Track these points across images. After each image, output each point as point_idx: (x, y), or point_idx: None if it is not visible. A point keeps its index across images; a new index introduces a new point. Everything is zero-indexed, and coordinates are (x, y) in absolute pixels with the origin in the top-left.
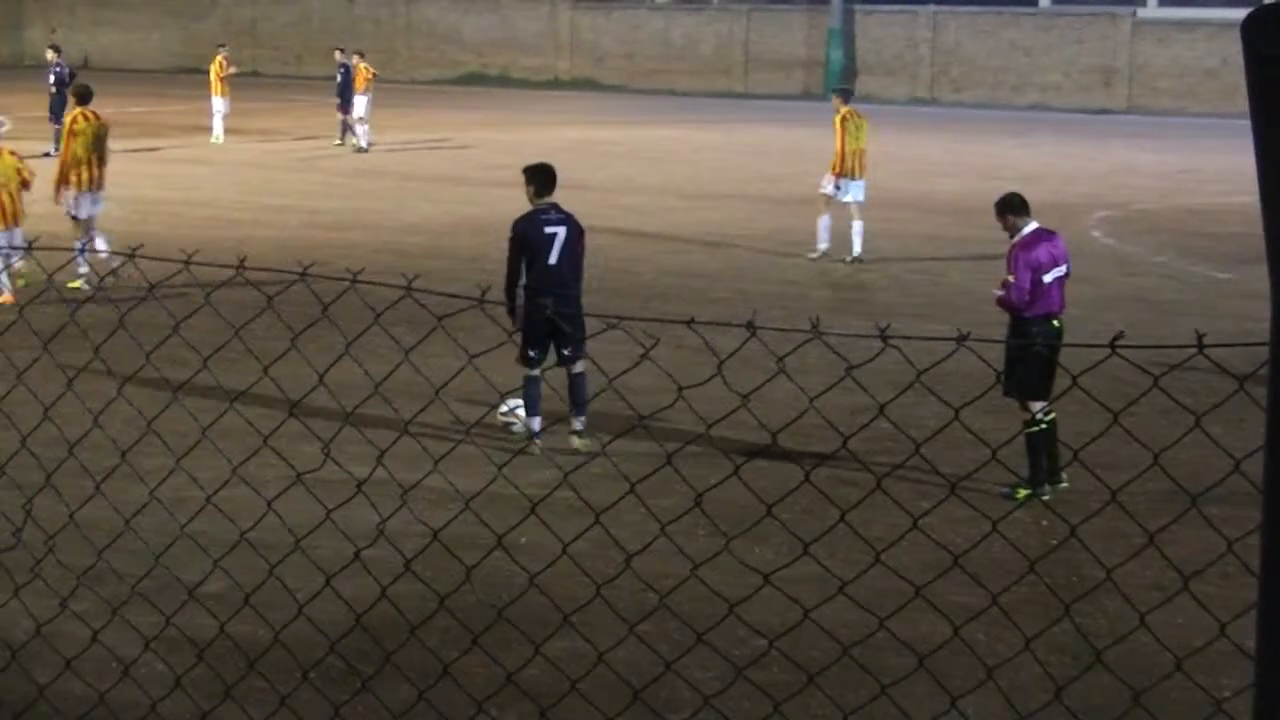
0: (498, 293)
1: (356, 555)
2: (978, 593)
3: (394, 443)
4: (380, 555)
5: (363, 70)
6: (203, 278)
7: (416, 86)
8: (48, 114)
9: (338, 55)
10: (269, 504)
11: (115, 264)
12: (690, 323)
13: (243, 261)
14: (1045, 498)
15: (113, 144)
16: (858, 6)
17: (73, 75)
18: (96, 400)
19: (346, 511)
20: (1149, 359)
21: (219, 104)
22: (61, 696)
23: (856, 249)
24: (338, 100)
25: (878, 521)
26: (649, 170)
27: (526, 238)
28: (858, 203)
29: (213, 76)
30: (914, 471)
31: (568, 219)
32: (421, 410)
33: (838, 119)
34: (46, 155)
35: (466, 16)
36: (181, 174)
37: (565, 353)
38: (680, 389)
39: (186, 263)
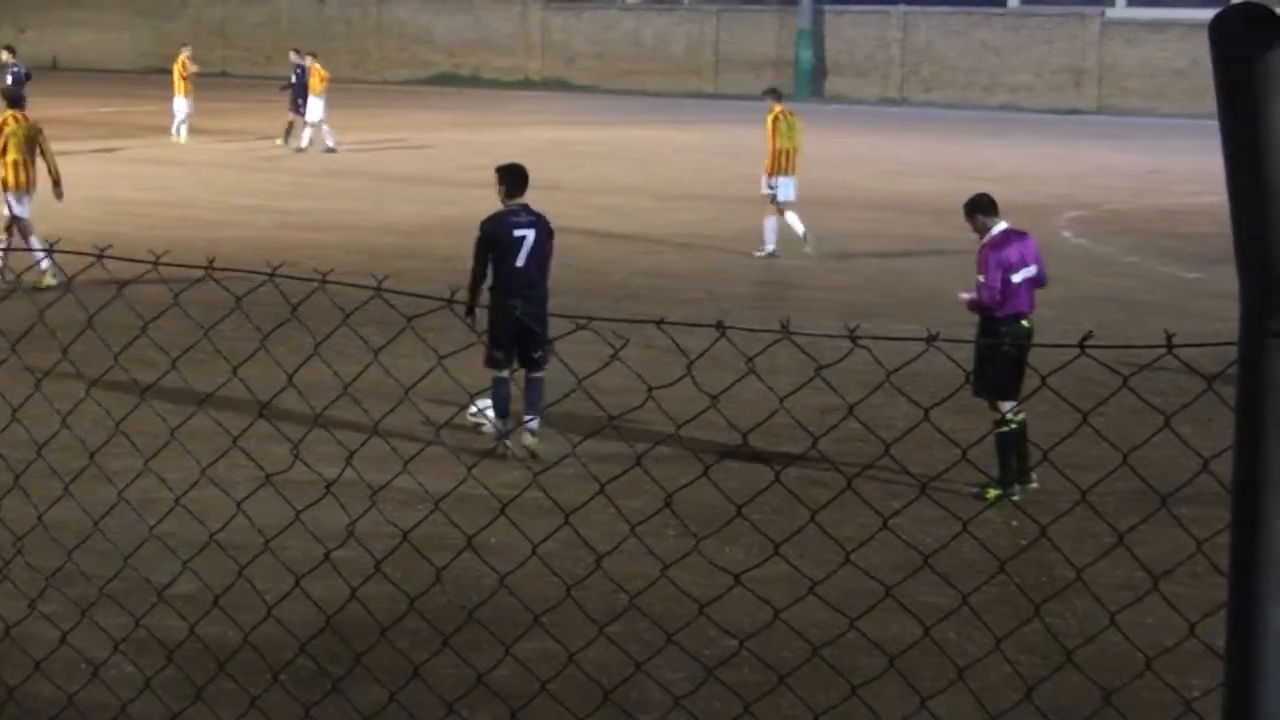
0: (465, 293)
1: (326, 556)
2: (948, 593)
3: (363, 444)
4: (350, 556)
5: (317, 71)
6: (172, 278)
7: (388, 87)
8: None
9: (293, 56)
10: (238, 505)
11: None
12: (660, 323)
13: (211, 262)
14: (1015, 498)
15: (84, 145)
16: (827, 7)
17: (28, 76)
18: (64, 401)
19: (316, 512)
20: (1118, 359)
21: (181, 104)
22: (30, 698)
23: (801, 231)
24: (296, 101)
25: (848, 522)
26: (621, 171)
27: (495, 239)
28: (790, 200)
29: (176, 76)
30: (884, 471)
31: (537, 220)
32: (391, 411)
33: (769, 119)
34: None
35: (438, 17)
36: (152, 174)
37: (535, 356)
38: (650, 389)
39: (155, 263)
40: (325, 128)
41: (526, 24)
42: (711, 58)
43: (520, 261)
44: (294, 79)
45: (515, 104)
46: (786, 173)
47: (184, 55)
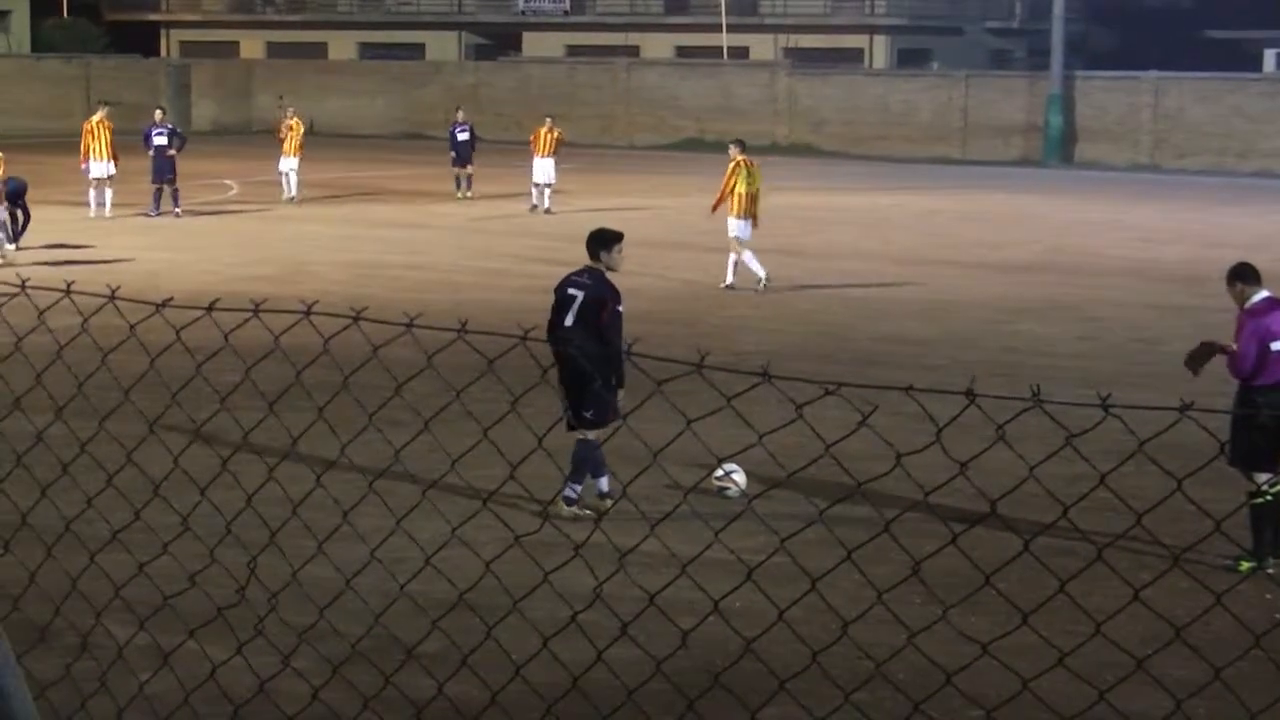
0: (717, 357)
1: (573, 618)
2: (1200, 666)
3: (611, 506)
4: (596, 619)
5: (550, 133)
6: (423, 341)
7: (635, 152)
8: (150, 175)
9: (457, 115)
10: (487, 565)
11: None
12: (908, 389)
13: (464, 324)
14: (1270, 570)
15: (337, 207)
16: (1079, 72)
17: (184, 139)
18: (319, 461)
19: (563, 574)
20: None
21: (287, 163)
22: None
23: (729, 279)
24: (455, 157)
25: (1096, 592)
26: (865, 235)
27: (556, 293)
28: (748, 240)
29: (289, 137)
30: (1134, 542)
31: (592, 285)
32: (639, 474)
33: (730, 165)
34: (143, 215)
35: (685, 82)
36: (403, 237)
37: (586, 414)
38: (898, 456)
39: (409, 325)
40: (548, 191)
41: (773, 89)
42: (960, 123)
43: (569, 320)
44: (455, 138)
45: (762, 169)
46: (743, 215)
47: (287, 117)
